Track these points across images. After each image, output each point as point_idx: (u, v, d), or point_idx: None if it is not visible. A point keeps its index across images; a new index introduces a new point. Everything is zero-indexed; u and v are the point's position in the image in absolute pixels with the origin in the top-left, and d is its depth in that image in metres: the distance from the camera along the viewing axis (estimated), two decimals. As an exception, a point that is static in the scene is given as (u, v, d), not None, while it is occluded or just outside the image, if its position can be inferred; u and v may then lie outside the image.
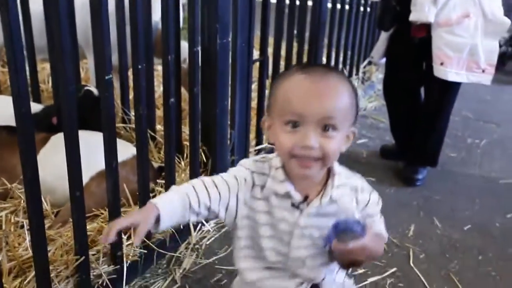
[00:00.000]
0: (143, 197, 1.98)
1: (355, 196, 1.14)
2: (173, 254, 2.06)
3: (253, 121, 2.77)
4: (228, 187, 1.10)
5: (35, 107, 2.40)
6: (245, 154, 2.59)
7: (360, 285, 1.98)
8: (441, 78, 2.56)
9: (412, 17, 2.54)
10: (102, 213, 1.99)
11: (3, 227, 1.85)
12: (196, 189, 1.08)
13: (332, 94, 1.02)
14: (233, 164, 2.47)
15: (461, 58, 2.54)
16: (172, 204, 1.05)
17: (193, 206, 1.07)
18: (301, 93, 1.02)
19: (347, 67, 3.84)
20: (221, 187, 1.09)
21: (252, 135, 2.76)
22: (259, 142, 2.80)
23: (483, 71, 2.59)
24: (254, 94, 2.80)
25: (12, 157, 2.00)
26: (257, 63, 2.71)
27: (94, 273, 1.76)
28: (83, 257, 1.68)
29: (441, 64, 2.54)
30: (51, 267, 1.63)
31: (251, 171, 1.12)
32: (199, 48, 2.15)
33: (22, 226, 1.86)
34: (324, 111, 1.01)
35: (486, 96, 4.44)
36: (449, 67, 2.54)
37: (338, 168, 1.12)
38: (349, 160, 3.02)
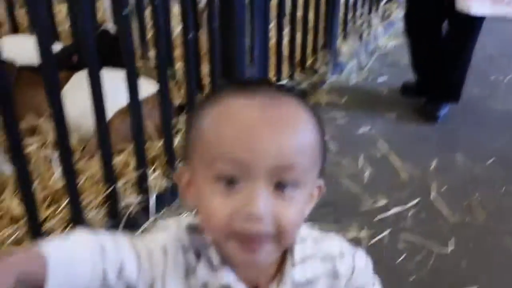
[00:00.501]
0: (166, 134, 2.01)
1: (333, 267, 0.77)
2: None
3: (272, 60, 2.75)
4: (152, 267, 0.67)
5: (55, 47, 2.41)
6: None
7: (382, 216, 2.01)
8: (464, 11, 2.48)
9: None
10: (127, 148, 2.03)
11: (33, 160, 1.90)
12: (117, 243, 0.65)
13: (290, 128, 0.64)
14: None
15: None
16: (74, 258, 0.61)
17: (108, 273, 0.63)
18: (240, 127, 0.63)
19: (366, 5, 3.74)
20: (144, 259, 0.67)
21: (271, 73, 2.74)
22: (278, 79, 2.78)
23: (508, 3, 2.50)
24: (272, 33, 2.76)
25: (37, 94, 2.03)
26: (275, 0, 2.66)
27: (123, 203, 1.81)
28: (111, 188, 1.73)
29: None
30: (81, 197, 1.69)
31: (183, 246, 0.70)
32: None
33: (50, 161, 1.91)
34: (279, 156, 0.62)
35: (511, 33, 4.31)
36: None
37: (300, 231, 0.73)
38: (369, 98, 3.01)
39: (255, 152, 0.62)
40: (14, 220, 1.69)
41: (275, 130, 0.63)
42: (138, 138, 1.86)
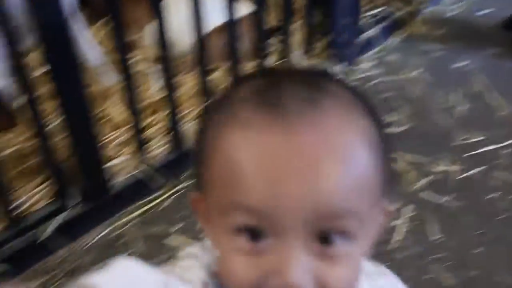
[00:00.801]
0: (259, 54, 2.03)
1: None
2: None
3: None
4: None
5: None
6: (356, 19, 2.50)
7: (475, 152, 1.95)
8: None
9: None
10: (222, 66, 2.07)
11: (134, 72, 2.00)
12: None
13: (333, 155, 0.44)
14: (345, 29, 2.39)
15: None
16: None
17: None
18: (259, 162, 0.44)
19: None
20: None
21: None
22: (373, 7, 2.67)
23: None
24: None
25: (137, 10, 2.10)
26: None
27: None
28: (207, 102, 1.79)
29: None
30: (178, 109, 1.77)
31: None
32: None
33: (148, 74, 2.00)
34: (318, 201, 0.44)
35: None
36: None
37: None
38: (469, 32, 2.83)
39: (282, 198, 0.43)
40: (116, 126, 1.81)
41: (309, 161, 0.43)
42: (233, 57, 1.89)
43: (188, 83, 1.95)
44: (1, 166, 1.40)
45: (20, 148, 1.64)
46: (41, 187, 1.56)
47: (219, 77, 2.01)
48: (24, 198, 1.52)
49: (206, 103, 1.80)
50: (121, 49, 1.54)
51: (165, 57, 1.65)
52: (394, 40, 2.71)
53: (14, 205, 1.44)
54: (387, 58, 2.55)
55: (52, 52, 1.34)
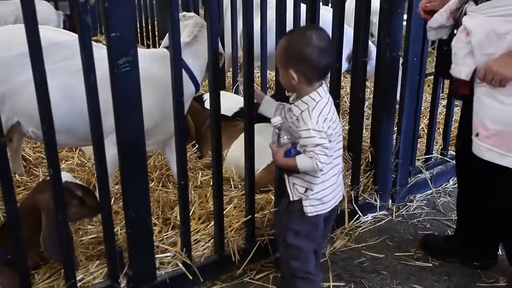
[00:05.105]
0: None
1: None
2: (328, 234, 2.29)
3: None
4: None
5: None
6: (411, 160, 2.75)
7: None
8: (478, 155, 1.85)
9: (451, 70, 1.90)
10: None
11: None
12: None
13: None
14: (397, 166, 2.64)
15: (506, 134, 1.77)
16: None
17: None
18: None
19: None
20: None
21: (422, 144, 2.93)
22: (429, 151, 2.91)
23: None
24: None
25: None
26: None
27: (259, 232, 2.19)
28: (250, 216, 2.12)
29: (476, 135, 1.85)
30: (226, 219, 2.13)
31: None
32: (367, 59, 2.42)
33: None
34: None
35: None
36: (484, 141, 1.82)
37: None
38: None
39: None
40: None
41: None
42: (280, 182, 2.21)
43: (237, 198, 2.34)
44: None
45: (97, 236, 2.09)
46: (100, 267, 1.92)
47: (267, 197, 2.36)
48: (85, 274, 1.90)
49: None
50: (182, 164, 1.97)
51: (218, 177, 2.05)
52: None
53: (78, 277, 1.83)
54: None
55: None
